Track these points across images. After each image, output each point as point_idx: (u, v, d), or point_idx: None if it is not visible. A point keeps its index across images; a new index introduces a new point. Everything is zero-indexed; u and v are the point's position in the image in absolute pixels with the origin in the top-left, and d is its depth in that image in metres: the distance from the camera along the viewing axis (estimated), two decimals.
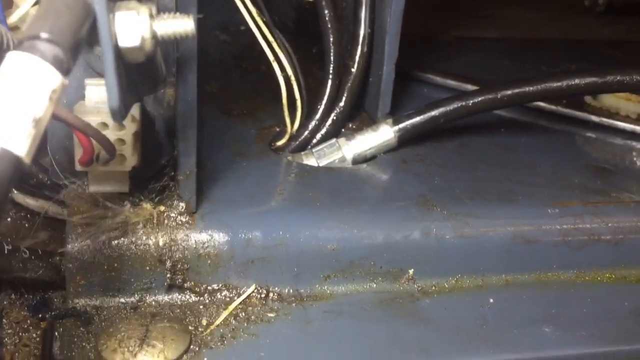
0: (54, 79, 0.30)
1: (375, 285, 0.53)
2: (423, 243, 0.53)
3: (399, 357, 0.47)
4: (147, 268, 0.49)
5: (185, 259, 0.50)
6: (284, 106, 0.64)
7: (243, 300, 0.51)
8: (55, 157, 0.51)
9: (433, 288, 0.54)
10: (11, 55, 0.29)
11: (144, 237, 0.49)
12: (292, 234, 0.52)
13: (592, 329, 0.51)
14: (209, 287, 0.51)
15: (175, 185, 0.51)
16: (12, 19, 0.47)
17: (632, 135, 0.73)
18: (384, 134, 0.64)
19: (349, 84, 0.68)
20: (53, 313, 0.48)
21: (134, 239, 0.49)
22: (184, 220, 0.51)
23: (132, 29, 0.36)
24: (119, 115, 0.35)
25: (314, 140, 0.67)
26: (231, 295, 0.51)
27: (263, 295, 0.51)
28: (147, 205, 0.50)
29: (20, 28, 0.47)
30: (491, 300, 0.53)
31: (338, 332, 0.49)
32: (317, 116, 0.67)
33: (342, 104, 0.68)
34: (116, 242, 0.49)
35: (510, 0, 1.19)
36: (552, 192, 0.60)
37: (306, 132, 0.66)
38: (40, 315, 0.49)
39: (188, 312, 0.49)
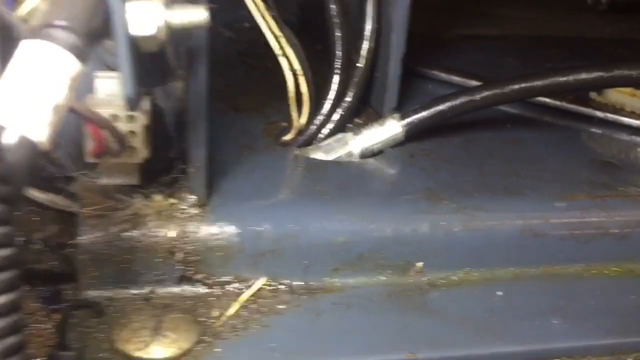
0: (72, 65, 0.30)
1: (384, 278, 0.54)
2: (431, 236, 0.54)
3: (408, 349, 0.48)
4: (159, 260, 0.50)
5: (196, 251, 0.50)
6: (292, 101, 0.64)
7: (253, 292, 0.51)
8: (65, 149, 0.52)
9: (441, 281, 0.54)
10: (27, 44, 0.30)
11: (155, 229, 0.50)
12: (302, 226, 0.52)
13: (600, 321, 0.51)
14: (220, 279, 0.51)
15: (186, 178, 0.52)
16: (21, 12, 0.47)
17: (638, 131, 0.73)
18: (392, 128, 0.64)
19: (356, 79, 0.68)
20: (66, 304, 0.49)
21: (145, 231, 0.49)
22: (194, 212, 0.51)
23: (147, 17, 0.36)
24: (133, 104, 0.36)
25: (321, 135, 0.67)
26: (241, 287, 0.51)
27: (273, 288, 0.52)
28: (158, 198, 0.50)
29: (29, 21, 0.47)
30: (499, 293, 0.54)
31: (348, 324, 0.49)
32: (324, 111, 0.67)
33: (348, 99, 0.68)
34: (128, 234, 0.49)
35: None
36: (559, 186, 0.60)
37: (313, 128, 0.66)
38: (52, 307, 0.49)
39: (199, 304, 0.50)
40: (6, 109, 0.28)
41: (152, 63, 0.42)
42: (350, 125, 0.69)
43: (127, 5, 0.35)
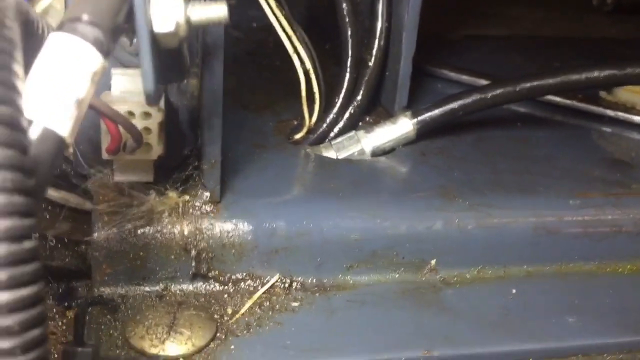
0: (95, 60, 0.30)
1: (397, 276, 0.54)
2: (445, 233, 0.54)
3: (423, 346, 0.48)
4: (172, 257, 0.50)
5: (210, 248, 0.50)
6: (303, 99, 0.64)
7: (267, 289, 0.51)
8: (79, 147, 0.52)
9: (455, 279, 0.54)
10: (53, 36, 0.30)
11: (169, 226, 0.50)
12: (315, 224, 0.52)
13: (616, 319, 0.51)
14: (233, 277, 0.51)
15: (200, 175, 0.52)
16: (37, 9, 0.48)
17: None
18: (403, 126, 0.64)
19: (366, 78, 0.68)
20: (80, 301, 0.49)
21: (159, 228, 0.49)
22: (208, 209, 0.51)
23: (167, 14, 0.36)
24: (153, 99, 0.36)
25: (332, 134, 0.67)
26: (255, 284, 0.51)
27: (286, 285, 0.52)
28: (172, 194, 0.50)
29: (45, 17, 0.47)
30: (514, 291, 0.53)
31: (362, 322, 0.49)
32: (335, 110, 0.67)
33: (359, 97, 0.68)
34: (142, 230, 0.49)
35: None
36: (572, 184, 0.60)
37: (324, 126, 0.66)
38: (66, 304, 0.49)
39: (213, 301, 0.50)
40: (32, 102, 0.28)
41: (170, 59, 0.42)
42: (361, 124, 0.69)
43: (150, 1, 0.35)
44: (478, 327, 0.49)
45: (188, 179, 0.52)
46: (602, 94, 0.77)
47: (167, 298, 0.49)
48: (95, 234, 0.48)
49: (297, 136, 0.66)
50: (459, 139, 0.67)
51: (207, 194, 0.51)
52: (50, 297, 0.49)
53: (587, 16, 1.19)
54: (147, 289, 0.50)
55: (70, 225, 0.57)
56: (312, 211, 0.53)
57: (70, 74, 0.30)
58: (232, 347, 0.46)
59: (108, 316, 0.47)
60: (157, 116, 0.48)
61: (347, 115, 0.67)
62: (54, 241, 0.49)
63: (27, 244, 0.26)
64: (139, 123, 0.48)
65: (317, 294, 0.51)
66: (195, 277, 0.51)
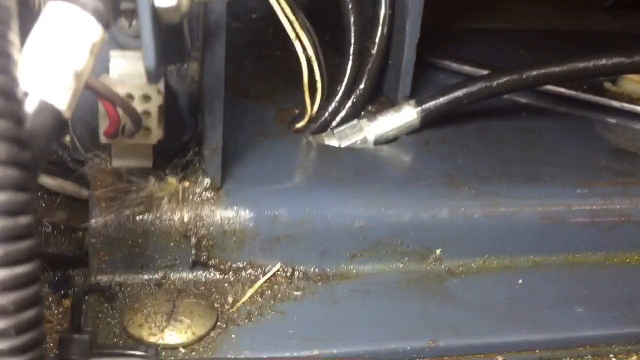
0: (95, 31, 0.29)
1: (401, 265, 0.53)
2: (451, 222, 0.53)
3: (428, 336, 0.47)
4: (172, 244, 0.48)
5: (211, 235, 0.49)
6: (305, 87, 0.63)
7: (268, 278, 0.50)
8: (76, 131, 0.51)
9: (460, 269, 0.53)
10: (51, 5, 0.29)
11: (169, 213, 0.48)
12: (318, 211, 0.51)
13: (624, 310, 0.50)
14: (234, 265, 0.50)
15: (200, 161, 0.50)
16: None
17: None
18: (407, 114, 0.63)
19: (369, 66, 0.67)
20: (77, 289, 0.47)
21: (158, 214, 0.48)
22: (209, 196, 0.50)
23: None
24: (154, 77, 0.35)
25: (334, 123, 0.66)
26: (256, 273, 0.50)
27: (289, 274, 0.51)
28: (172, 180, 0.49)
29: None
30: (520, 281, 0.53)
31: (365, 311, 0.48)
32: (337, 98, 0.66)
33: (362, 86, 0.67)
34: (140, 217, 0.48)
35: None
36: (579, 173, 0.59)
37: (326, 114, 0.65)
38: (62, 292, 0.48)
39: (213, 290, 0.49)
40: (28, 73, 0.27)
41: (171, 38, 0.40)
42: (363, 114, 0.68)
43: None
44: (484, 317, 0.49)
45: (188, 164, 0.51)
46: (607, 84, 0.76)
47: (167, 286, 0.48)
48: (93, 220, 0.47)
49: (299, 125, 0.65)
50: (463, 128, 0.66)
51: (208, 180, 0.50)
52: (46, 285, 0.48)
53: (588, 11, 1.19)
54: (145, 277, 0.48)
55: (67, 214, 0.56)
56: (314, 199, 0.52)
57: (68, 45, 0.28)
58: (233, 336, 0.44)
59: (105, 304, 0.46)
60: (156, 99, 0.47)
61: (349, 104, 0.66)
62: (50, 228, 0.48)
63: (23, 220, 0.25)
64: (138, 106, 0.46)
65: (319, 283, 0.50)
66: (195, 265, 0.49)
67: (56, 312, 0.47)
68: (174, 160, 0.50)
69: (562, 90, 0.74)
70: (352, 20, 0.66)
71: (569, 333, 0.48)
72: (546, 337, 0.48)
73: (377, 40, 0.67)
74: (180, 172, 0.50)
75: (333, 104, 0.66)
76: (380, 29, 0.67)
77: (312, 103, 0.65)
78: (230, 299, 0.48)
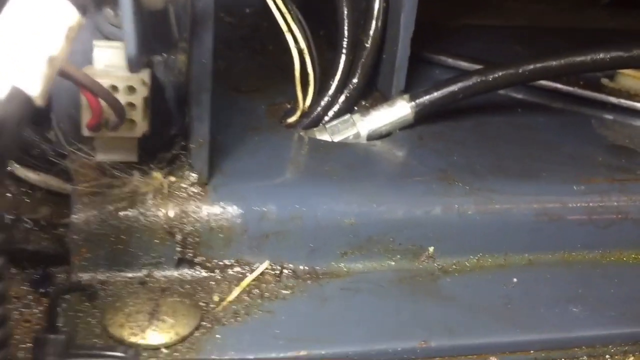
0: (71, 14, 0.28)
1: (394, 263, 0.51)
2: (444, 219, 0.51)
3: (420, 336, 0.45)
4: (156, 241, 0.47)
5: (197, 232, 0.48)
6: (297, 80, 0.61)
7: (256, 276, 0.48)
8: (59, 124, 0.49)
9: (454, 266, 0.52)
10: None
11: (154, 209, 0.47)
12: (308, 207, 0.49)
13: (622, 310, 0.49)
14: (221, 263, 0.48)
15: (187, 155, 0.49)
16: None
17: None
18: (401, 109, 0.61)
19: (363, 60, 0.65)
20: (56, 287, 0.46)
21: (142, 210, 0.47)
22: (195, 191, 0.48)
23: None
24: (136, 65, 0.33)
25: (326, 118, 0.64)
26: (244, 271, 0.49)
27: (277, 272, 0.49)
28: (157, 175, 0.47)
29: None
30: (515, 280, 0.51)
31: (356, 311, 0.47)
32: (330, 92, 0.64)
33: (355, 80, 0.65)
34: (124, 213, 0.46)
35: None
36: (576, 169, 0.58)
37: (318, 109, 0.64)
38: (42, 291, 0.46)
39: (199, 288, 0.47)
40: None
41: (156, 27, 0.39)
42: (356, 109, 0.66)
43: None
44: (477, 317, 0.47)
45: (174, 159, 0.49)
46: (605, 80, 0.75)
47: (151, 285, 0.47)
48: (74, 216, 0.46)
49: (291, 120, 0.64)
50: (458, 124, 0.65)
51: (195, 175, 0.49)
52: (25, 283, 0.46)
53: (585, 9, 1.18)
54: (129, 275, 0.47)
55: (51, 210, 0.54)
56: (304, 194, 0.50)
57: (41, 29, 0.27)
58: (218, 336, 0.43)
59: (86, 303, 0.44)
60: (141, 91, 0.45)
61: (342, 98, 0.65)
62: (31, 224, 0.46)
63: None
64: (122, 98, 0.45)
65: (309, 282, 0.49)
66: (181, 262, 0.48)
67: (36, 311, 0.45)
68: (159, 155, 0.49)
69: (558, 86, 0.73)
70: (345, 12, 0.65)
71: (565, 333, 0.47)
72: (541, 338, 0.47)
73: (371, 33, 0.66)
74: (166, 166, 0.49)
75: (326, 99, 0.64)
76: (374, 22, 0.65)
77: (304, 97, 0.63)
78: (216, 298, 0.46)
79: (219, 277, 0.48)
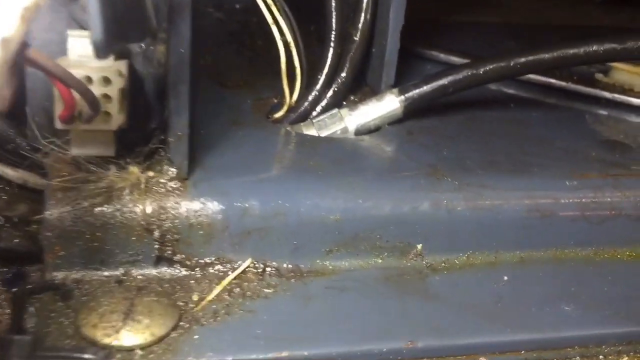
0: None
1: (380, 261, 0.50)
2: (433, 215, 0.50)
3: (407, 336, 0.44)
4: (134, 238, 0.45)
5: (176, 228, 0.46)
6: (283, 73, 0.60)
7: (238, 274, 0.47)
8: (34, 118, 0.47)
9: (442, 264, 0.50)
10: None
11: (130, 204, 0.45)
12: (291, 203, 0.48)
13: (616, 308, 0.48)
14: (201, 261, 0.47)
15: (166, 149, 0.47)
16: None
17: None
18: (389, 103, 0.60)
19: (351, 54, 0.64)
20: (29, 286, 0.44)
21: (119, 206, 0.45)
22: (174, 186, 0.47)
23: None
24: (102, 50, 0.31)
25: (314, 112, 0.63)
26: (225, 269, 0.47)
27: (260, 270, 0.48)
28: (134, 169, 0.46)
29: None
30: (505, 278, 0.50)
31: (341, 310, 0.45)
32: (318, 87, 0.63)
33: (343, 74, 0.64)
34: (99, 209, 0.45)
35: None
36: (569, 164, 0.56)
37: (306, 104, 0.62)
38: (14, 290, 0.45)
39: (178, 287, 0.45)
40: None
41: (129, 10, 0.37)
42: (345, 104, 0.65)
43: None
44: (467, 316, 0.46)
45: (153, 153, 0.48)
46: (599, 75, 0.74)
47: (128, 283, 0.45)
48: (47, 212, 0.44)
49: (277, 115, 0.62)
50: (449, 118, 0.63)
51: (174, 170, 0.47)
52: None
53: (579, 6, 1.17)
54: (105, 273, 0.45)
55: (28, 206, 0.53)
56: (288, 190, 0.49)
57: None
58: (196, 336, 0.41)
59: (60, 303, 0.43)
60: (117, 82, 0.44)
61: (330, 93, 0.63)
62: (2, 220, 0.45)
63: None
64: (97, 89, 0.43)
65: (292, 280, 0.47)
66: (160, 260, 0.46)
67: (8, 311, 0.44)
68: (138, 149, 0.47)
69: (552, 80, 0.72)
70: (333, 5, 0.63)
71: (557, 333, 0.46)
72: (532, 337, 0.45)
73: (359, 26, 0.64)
74: (144, 161, 0.47)
75: (313, 93, 0.63)
76: (363, 14, 0.64)
77: (291, 92, 0.62)
78: (195, 297, 0.45)
79: (199, 276, 0.47)
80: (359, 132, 0.60)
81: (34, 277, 0.46)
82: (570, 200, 0.52)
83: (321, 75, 0.63)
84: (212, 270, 0.47)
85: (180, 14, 0.43)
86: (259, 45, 0.80)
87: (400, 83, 0.65)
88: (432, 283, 0.49)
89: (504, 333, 0.45)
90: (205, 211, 0.46)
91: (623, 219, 0.53)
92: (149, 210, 0.45)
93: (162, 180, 0.47)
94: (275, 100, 0.64)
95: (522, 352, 0.45)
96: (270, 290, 0.46)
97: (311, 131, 0.60)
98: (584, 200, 0.52)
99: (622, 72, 0.72)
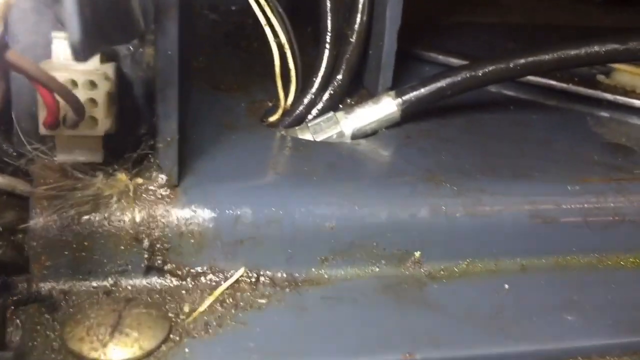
0: None
1: (377, 269, 0.48)
2: (431, 222, 0.48)
3: (405, 348, 0.42)
4: (122, 248, 0.44)
5: (166, 237, 0.44)
6: (277, 76, 0.58)
7: (231, 284, 0.45)
8: (20, 123, 0.46)
9: (442, 273, 0.49)
10: None
11: (119, 213, 0.44)
12: (285, 210, 0.46)
13: (619, 317, 0.46)
14: (192, 270, 0.45)
15: (155, 155, 0.46)
16: None
17: None
18: (386, 107, 0.59)
19: (347, 55, 0.63)
20: (14, 298, 0.42)
21: (107, 215, 0.43)
22: (164, 193, 0.45)
23: None
24: (81, 52, 0.30)
25: (310, 116, 0.61)
26: (217, 279, 0.46)
27: (253, 280, 0.46)
28: (122, 176, 0.44)
29: None
30: (506, 287, 0.48)
31: (337, 321, 0.44)
32: (313, 90, 0.61)
33: (339, 76, 0.62)
34: (87, 217, 0.43)
35: None
36: (570, 168, 0.55)
37: (301, 107, 0.61)
38: (0, 301, 0.43)
39: (168, 298, 0.44)
40: None
41: (112, 16, 0.36)
42: (341, 107, 0.63)
43: None
44: (466, 326, 0.45)
45: (142, 159, 0.46)
46: (600, 77, 0.73)
47: (116, 294, 0.43)
48: (32, 221, 0.43)
49: (272, 118, 0.61)
50: (447, 121, 0.62)
51: (163, 176, 0.45)
52: None
53: (579, 6, 1.16)
54: (93, 284, 0.44)
55: (17, 214, 0.51)
56: (282, 196, 0.47)
57: None
58: (187, 350, 0.40)
59: (46, 315, 0.41)
60: (104, 86, 0.42)
61: (326, 95, 0.62)
62: None
63: None
64: (83, 93, 0.42)
65: (287, 290, 0.46)
66: (149, 270, 0.45)
67: None
68: (126, 155, 0.46)
69: (552, 82, 0.71)
70: (328, 5, 0.62)
71: (559, 343, 0.44)
72: (534, 348, 0.44)
73: (356, 27, 0.63)
74: (133, 167, 0.46)
75: (309, 96, 0.61)
76: (359, 15, 0.62)
77: (286, 95, 0.60)
78: (186, 308, 0.43)
79: (191, 286, 0.45)
80: (355, 136, 0.59)
81: (20, 287, 0.45)
82: (572, 206, 0.51)
83: (317, 78, 0.62)
84: (203, 280, 0.45)
85: (167, 14, 0.41)
86: (254, 47, 0.79)
87: (398, 85, 0.63)
88: (430, 292, 0.47)
89: (505, 344, 0.44)
90: (197, 219, 0.45)
91: (627, 224, 0.52)
92: (138, 218, 0.44)
93: (151, 187, 0.45)
94: (270, 104, 0.63)
95: None
96: (263, 301, 0.45)
97: (306, 135, 0.58)
98: (586, 205, 0.51)
99: (624, 73, 0.71)
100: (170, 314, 0.42)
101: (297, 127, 0.60)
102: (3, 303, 0.38)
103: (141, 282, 0.45)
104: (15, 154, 0.50)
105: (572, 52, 0.55)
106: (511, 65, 0.56)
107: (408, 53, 0.74)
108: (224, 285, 0.45)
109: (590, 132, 0.65)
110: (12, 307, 0.41)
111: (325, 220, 0.47)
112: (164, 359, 0.39)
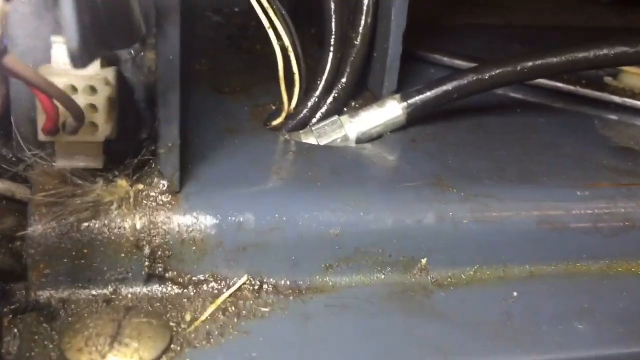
0: None
1: (383, 277, 0.47)
2: (437, 228, 0.48)
3: (412, 357, 0.41)
4: (122, 255, 0.43)
5: (167, 244, 0.44)
6: (281, 79, 0.58)
7: (233, 292, 0.45)
8: (19, 129, 0.45)
9: (449, 280, 0.48)
10: None
11: (119, 219, 0.43)
12: (289, 216, 0.46)
13: (631, 326, 0.45)
14: (194, 278, 0.45)
15: (156, 160, 0.45)
16: None
17: None
18: (392, 110, 0.58)
19: (352, 58, 0.62)
20: (12, 306, 0.42)
21: (107, 221, 0.43)
22: (165, 200, 0.44)
23: None
24: (79, 59, 0.29)
25: (314, 120, 0.60)
26: (219, 287, 0.45)
27: (256, 287, 0.45)
28: (122, 182, 0.44)
29: None
30: (515, 294, 0.47)
31: (341, 329, 0.43)
32: (317, 93, 0.61)
33: (344, 79, 0.62)
34: (86, 224, 0.42)
35: None
36: (579, 173, 0.54)
37: (305, 110, 0.60)
38: None
39: (169, 306, 0.43)
40: None
41: (112, 21, 0.35)
42: (346, 110, 0.62)
43: None
44: (474, 335, 0.44)
45: (143, 165, 0.46)
46: (607, 79, 0.72)
47: (116, 303, 0.43)
48: (31, 228, 0.42)
49: (275, 122, 0.60)
50: (453, 125, 0.61)
51: (164, 182, 0.45)
52: None
53: (586, 7, 1.15)
54: (93, 292, 0.43)
55: (16, 220, 0.50)
56: (286, 202, 0.46)
57: None
58: None
59: (44, 324, 0.40)
60: (104, 91, 0.42)
61: (330, 99, 0.61)
62: None
63: None
64: (82, 99, 0.41)
65: (291, 298, 0.45)
66: (150, 278, 0.44)
67: None
68: (127, 161, 0.45)
69: (559, 84, 0.70)
70: (332, 7, 0.61)
71: (569, 352, 0.43)
72: (544, 358, 0.43)
73: (360, 30, 0.62)
74: (134, 173, 0.45)
75: (313, 99, 0.61)
76: (363, 17, 0.62)
77: (290, 98, 0.60)
78: (188, 317, 0.42)
79: (192, 294, 0.44)
80: (360, 140, 0.58)
81: (18, 295, 0.44)
82: (582, 211, 0.50)
83: (320, 81, 0.61)
84: (205, 288, 0.45)
85: (168, 19, 0.40)
86: (257, 50, 0.79)
87: (403, 88, 0.63)
88: (437, 299, 0.46)
89: (514, 353, 0.43)
90: (198, 226, 0.44)
91: (637, 230, 0.51)
92: (138, 225, 0.43)
93: (152, 194, 0.44)
94: (274, 107, 0.62)
95: None
96: (267, 309, 0.44)
97: (310, 139, 0.57)
98: (596, 211, 0.50)
99: (632, 75, 0.69)
100: (171, 323, 0.42)
101: (300, 131, 0.59)
102: (0, 311, 0.37)
103: (142, 290, 0.44)
104: (14, 159, 0.49)
105: (581, 55, 0.54)
106: (518, 68, 0.55)
107: (412, 55, 0.73)
108: (226, 293, 0.44)
109: (598, 135, 0.64)
110: (10, 316, 0.41)
111: (330, 226, 0.46)
112: None
